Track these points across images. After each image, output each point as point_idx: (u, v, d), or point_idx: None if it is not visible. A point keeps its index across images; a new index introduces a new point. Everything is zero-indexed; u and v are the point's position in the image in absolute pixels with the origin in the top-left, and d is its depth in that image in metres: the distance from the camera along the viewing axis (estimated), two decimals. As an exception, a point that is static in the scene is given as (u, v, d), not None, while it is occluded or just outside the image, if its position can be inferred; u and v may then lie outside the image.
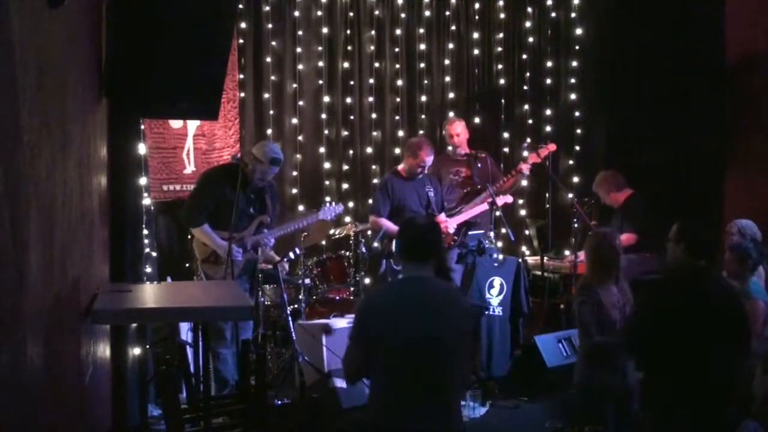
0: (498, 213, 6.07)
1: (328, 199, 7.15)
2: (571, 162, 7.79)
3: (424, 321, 3.09)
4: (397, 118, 7.49)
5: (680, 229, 3.73)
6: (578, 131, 7.81)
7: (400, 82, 7.47)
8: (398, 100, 7.49)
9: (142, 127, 4.94)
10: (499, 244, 6.74)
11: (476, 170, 6.37)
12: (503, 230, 6.16)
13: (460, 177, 6.40)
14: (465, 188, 6.38)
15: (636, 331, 3.65)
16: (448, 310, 3.17)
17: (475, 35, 7.70)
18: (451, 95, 7.66)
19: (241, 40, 6.74)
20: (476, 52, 7.72)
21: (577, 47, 7.81)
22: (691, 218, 3.94)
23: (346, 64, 7.27)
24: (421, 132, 7.40)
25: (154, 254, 5.42)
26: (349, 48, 7.30)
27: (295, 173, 7.04)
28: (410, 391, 3.08)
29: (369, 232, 6.32)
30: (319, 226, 5.85)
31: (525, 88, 7.83)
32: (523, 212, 7.64)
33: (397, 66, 7.46)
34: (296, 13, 7.04)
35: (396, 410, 3.10)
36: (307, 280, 5.93)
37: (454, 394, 3.22)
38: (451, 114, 7.45)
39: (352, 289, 6.09)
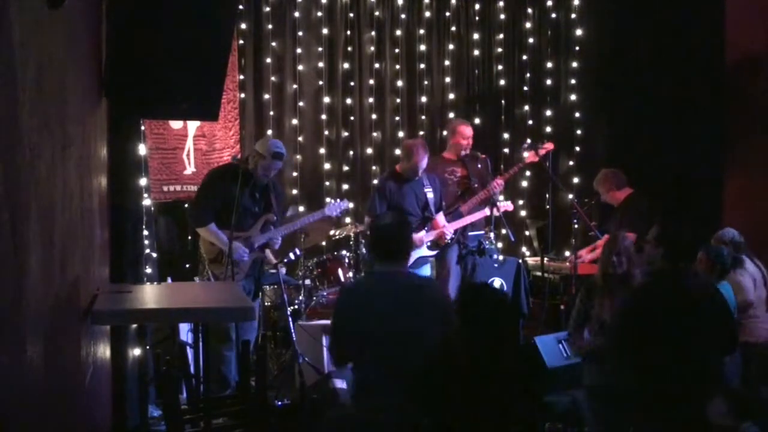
0: (498, 214, 6.07)
1: (328, 199, 7.14)
2: (571, 163, 7.79)
3: (395, 313, 3.19)
4: (397, 119, 7.49)
5: (659, 232, 3.73)
6: (578, 132, 7.81)
7: (400, 83, 7.47)
8: (398, 100, 7.49)
9: (143, 127, 4.94)
10: (500, 244, 6.73)
11: (473, 170, 6.37)
12: (503, 231, 6.16)
13: (456, 177, 6.40)
14: (460, 188, 6.37)
15: (618, 334, 3.66)
16: (418, 303, 3.25)
17: (476, 36, 7.70)
18: (452, 96, 7.65)
19: (241, 41, 6.74)
20: (476, 53, 7.72)
21: (577, 48, 7.82)
22: (673, 220, 3.94)
23: (346, 65, 7.27)
24: (421, 133, 7.40)
25: (154, 255, 5.42)
26: (349, 49, 7.30)
27: (295, 174, 7.04)
28: (381, 381, 3.17)
29: (369, 233, 6.32)
30: (320, 227, 5.85)
31: (525, 88, 7.82)
32: (523, 213, 7.64)
33: (398, 67, 7.46)
34: (296, 14, 7.04)
35: (369, 400, 3.18)
36: (308, 281, 5.93)
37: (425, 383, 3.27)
38: (452, 115, 7.46)
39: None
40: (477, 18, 7.73)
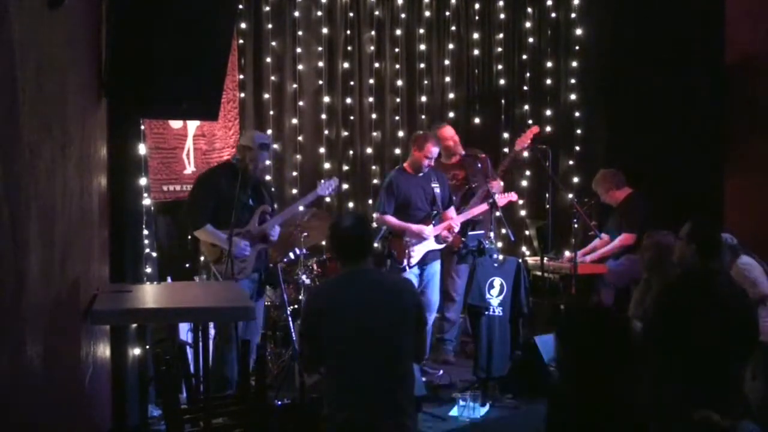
0: (498, 213, 6.07)
1: (328, 200, 7.13)
2: (571, 162, 7.78)
3: (365, 312, 3.20)
4: (397, 118, 7.49)
5: (692, 229, 3.72)
6: (578, 131, 7.81)
7: (400, 83, 7.47)
8: (398, 100, 7.49)
9: (143, 127, 4.94)
10: (499, 244, 6.73)
11: (472, 171, 6.40)
12: (503, 231, 6.16)
13: (457, 180, 6.45)
14: (461, 190, 6.42)
15: (648, 331, 3.66)
16: (388, 300, 3.27)
17: (475, 36, 7.70)
18: (451, 96, 7.65)
19: (241, 41, 6.74)
20: (476, 52, 7.71)
21: (577, 48, 7.81)
22: (701, 217, 3.92)
23: (346, 65, 7.27)
24: (421, 132, 7.39)
25: (154, 254, 5.42)
26: (349, 48, 7.29)
27: (295, 173, 7.03)
28: (355, 382, 3.18)
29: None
30: (319, 226, 5.85)
31: (525, 88, 7.82)
32: (523, 213, 7.64)
33: (397, 66, 7.46)
34: (296, 14, 7.04)
35: (343, 402, 3.18)
36: (308, 281, 5.93)
37: (401, 383, 3.27)
38: (452, 115, 7.47)
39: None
40: (477, 18, 7.72)
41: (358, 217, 3.61)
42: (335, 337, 3.23)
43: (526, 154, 6.77)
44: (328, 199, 7.14)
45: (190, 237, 5.69)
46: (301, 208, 5.72)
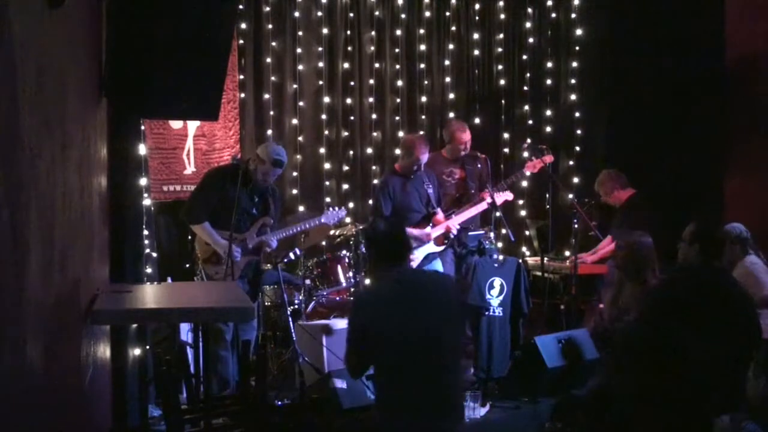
0: (498, 214, 6.07)
1: (328, 199, 7.14)
2: (571, 163, 7.79)
3: (419, 311, 3.20)
4: (397, 118, 7.49)
5: (695, 230, 3.73)
6: (578, 132, 7.81)
7: (400, 83, 7.47)
8: (398, 100, 7.49)
9: (143, 127, 4.94)
10: (500, 244, 6.73)
11: (471, 171, 6.38)
12: (503, 231, 6.16)
13: (454, 179, 6.42)
14: (458, 191, 6.39)
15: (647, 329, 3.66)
16: (435, 297, 3.29)
17: (476, 36, 7.70)
18: (452, 96, 7.65)
19: (241, 41, 6.74)
20: (476, 52, 7.72)
21: (577, 48, 7.81)
22: (704, 218, 3.93)
23: (346, 65, 7.27)
24: (421, 133, 7.40)
25: (154, 255, 5.42)
26: (349, 49, 7.30)
27: (295, 174, 7.03)
28: (411, 384, 3.16)
29: (369, 243, 6.30)
30: (320, 227, 5.86)
31: (525, 88, 7.82)
32: (523, 213, 7.64)
33: (398, 67, 7.46)
34: (296, 14, 7.04)
35: (399, 405, 3.17)
36: (307, 281, 5.93)
37: (454, 384, 3.28)
38: (452, 115, 7.45)
39: (352, 289, 6.08)
40: (477, 18, 7.72)
41: (393, 221, 3.66)
42: (386, 340, 3.22)
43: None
44: (328, 199, 7.14)
45: (190, 237, 5.69)
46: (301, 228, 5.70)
